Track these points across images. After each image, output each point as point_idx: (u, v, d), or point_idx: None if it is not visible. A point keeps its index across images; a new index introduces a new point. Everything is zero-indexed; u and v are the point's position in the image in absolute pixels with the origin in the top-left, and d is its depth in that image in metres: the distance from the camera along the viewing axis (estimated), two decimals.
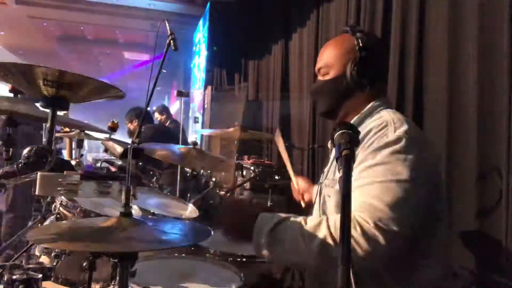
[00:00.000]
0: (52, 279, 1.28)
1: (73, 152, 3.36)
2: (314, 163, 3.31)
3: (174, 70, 11.35)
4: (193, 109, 7.18)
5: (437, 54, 1.89)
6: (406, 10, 2.12)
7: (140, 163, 3.40)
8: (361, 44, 1.22)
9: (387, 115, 1.26)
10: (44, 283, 1.12)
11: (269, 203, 2.68)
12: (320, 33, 3.35)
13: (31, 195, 3.56)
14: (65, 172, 0.95)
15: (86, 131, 2.65)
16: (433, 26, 1.94)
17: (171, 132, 4.37)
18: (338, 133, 0.85)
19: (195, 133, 5.93)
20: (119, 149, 2.35)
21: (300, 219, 1.11)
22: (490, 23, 1.60)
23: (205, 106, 5.62)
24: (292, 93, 4.01)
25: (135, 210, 1.63)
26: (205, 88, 5.84)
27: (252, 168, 2.83)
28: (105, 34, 10.84)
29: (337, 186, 1.19)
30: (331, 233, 1.02)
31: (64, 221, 1.50)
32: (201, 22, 6.85)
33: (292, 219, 1.10)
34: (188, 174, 2.31)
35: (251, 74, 5.26)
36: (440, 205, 1.17)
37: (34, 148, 0.95)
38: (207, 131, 4.51)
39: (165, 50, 1.71)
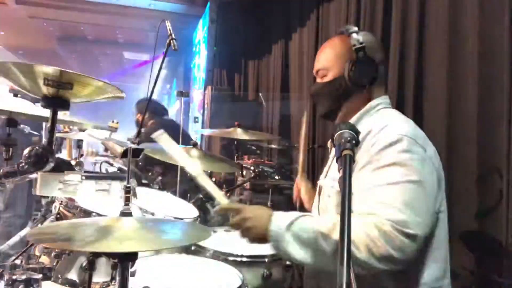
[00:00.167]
0: (52, 279, 1.28)
1: (73, 152, 3.36)
2: (314, 163, 3.30)
3: (174, 70, 11.34)
4: (193, 109, 7.18)
5: (437, 54, 1.89)
6: (406, 10, 2.12)
7: (140, 163, 3.40)
8: (357, 45, 1.22)
9: (387, 114, 1.26)
10: (44, 283, 1.12)
11: (269, 203, 2.68)
12: (320, 33, 3.35)
13: (31, 194, 3.57)
14: (65, 172, 0.95)
15: (85, 131, 2.65)
16: (433, 26, 1.94)
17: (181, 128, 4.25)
18: (338, 132, 0.85)
19: (195, 133, 5.92)
20: (119, 149, 2.35)
21: (314, 219, 1.10)
22: (490, 22, 1.60)
23: (205, 106, 5.61)
24: (292, 93, 4.01)
25: (135, 210, 1.63)
26: (205, 88, 5.84)
27: (252, 168, 2.83)
28: (105, 34, 10.83)
29: (337, 186, 1.19)
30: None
31: (64, 221, 1.50)
32: (201, 22, 6.84)
33: (306, 217, 1.10)
34: (188, 174, 2.30)
35: (251, 74, 5.25)
36: (440, 203, 1.17)
37: (34, 148, 0.95)
38: (207, 131, 4.50)
39: (165, 50, 1.71)
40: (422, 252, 1.11)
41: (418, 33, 2.01)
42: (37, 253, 1.57)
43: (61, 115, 1.17)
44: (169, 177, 3.39)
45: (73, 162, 2.39)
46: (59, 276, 1.38)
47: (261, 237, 1.10)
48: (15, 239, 1.79)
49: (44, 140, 1.00)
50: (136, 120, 4.01)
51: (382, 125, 1.16)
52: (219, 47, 5.70)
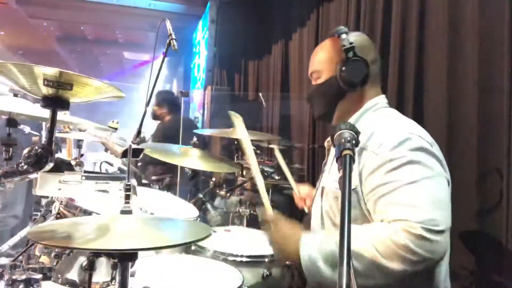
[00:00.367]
0: (52, 279, 1.28)
1: (73, 152, 3.36)
2: (314, 163, 3.30)
3: (174, 70, 11.34)
4: (193, 109, 7.18)
5: (437, 54, 1.89)
6: (406, 10, 2.12)
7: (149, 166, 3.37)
8: (346, 45, 1.22)
9: (386, 114, 1.26)
10: (44, 283, 1.12)
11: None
12: (320, 33, 3.35)
13: (30, 194, 3.56)
14: (65, 172, 0.95)
15: (85, 131, 2.65)
16: (433, 26, 1.94)
17: (195, 125, 4.16)
18: (338, 132, 0.85)
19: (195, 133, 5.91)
20: (119, 149, 2.35)
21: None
22: (490, 22, 1.60)
23: (205, 106, 5.61)
24: (292, 93, 4.01)
25: (135, 210, 1.63)
26: (205, 88, 5.84)
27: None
28: (105, 34, 10.84)
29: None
30: (378, 251, 1.00)
31: (63, 220, 1.50)
32: (201, 22, 6.84)
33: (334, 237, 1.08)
34: (188, 174, 2.30)
35: (251, 74, 5.25)
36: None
37: (34, 148, 0.95)
38: (207, 131, 4.50)
39: (165, 50, 1.71)
40: None
41: (418, 33, 2.01)
42: (37, 253, 1.57)
43: (61, 115, 1.17)
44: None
45: (73, 162, 2.39)
46: (59, 276, 1.38)
47: (291, 259, 1.12)
48: (15, 239, 1.79)
49: (44, 140, 1.00)
50: (152, 112, 3.90)
51: (386, 125, 1.16)
52: (219, 47, 5.69)
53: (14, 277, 1.02)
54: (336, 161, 0.81)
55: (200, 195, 2.19)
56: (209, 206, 2.24)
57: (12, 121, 1.25)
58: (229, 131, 2.45)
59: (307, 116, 3.46)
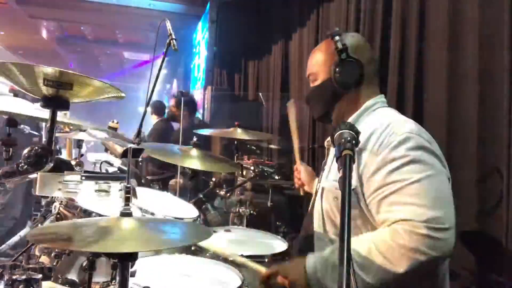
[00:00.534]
0: (52, 279, 1.28)
1: (73, 152, 3.36)
2: (314, 163, 3.30)
3: (174, 70, 11.35)
4: None
5: (437, 54, 1.89)
6: (406, 10, 2.12)
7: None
8: (339, 47, 1.23)
9: (385, 113, 1.26)
10: (44, 283, 1.12)
11: (269, 203, 2.68)
12: (320, 33, 3.35)
13: (29, 195, 3.56)
14: (65, 172, 0.95)
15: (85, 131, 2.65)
16: (433, 26, 1.94)
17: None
18: (338, 132, 0.85)
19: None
20: (119, 149, 2.35)
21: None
22: (491, 22, 1.60)
23: (205, 106, 5.61)
24: (292, 93, 4.01)
25: (135, 210, 1.63)
26: (205, 88, 5.84)
27: (252, 168, 2.82)
28: (105, 34, 10.85)
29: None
30: (385, 257, 1.01)
31: (64, 221, 1.50)
32: (201, 22, 6.84)
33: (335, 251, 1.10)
34: (188, 174, 2.30)
35: (251, 74, 5.25)
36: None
37: (34, 148, 0.95)
38: (207, 131, 4.49)
39: (165, 50, 1.71)
40: None
41: (418, 33, 2.01)
42: (37, 253, 1.57)
43: (61, 115, 1.17)
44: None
45: (73, 162, 2.39)
46: (59, 276, 1.38)
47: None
48: (15, 239, 1.79)
49: (44, 140, 1.00)
50: (170, 112, 3.81)
51: (385, 125, 1.17)
52: (219, 47, 5.70)
53: (14, 277, 1.02)
54: (336, 161, 0.81)
55: (200, 195, 2.19)
56: (209, 206, 2.24)
57: (12, 121, 1.25)
58: (229, 131, 2.46)
59: (307, 116, 3.46)
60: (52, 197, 1.76)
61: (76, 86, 0.95)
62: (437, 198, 1.03)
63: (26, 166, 0.94)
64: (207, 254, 1.56)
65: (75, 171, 1.00)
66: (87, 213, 1.54)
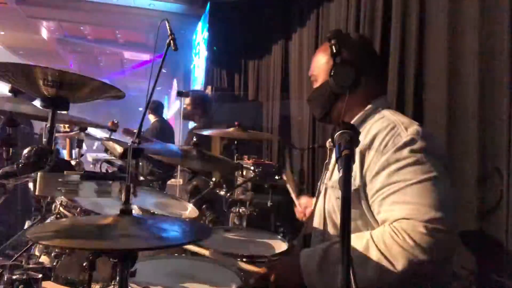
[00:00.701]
0: (52, 279, 1.28)
1: (73, 152, 3.36)
2: (314, 163, 3.31)
3: (174, 70, 11.34)
4: None
5: (437, 54, 1.89)
6: (406, 10, 2.12)
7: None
8: (334, 50, 1.24)
9: (389, 115, 1.26)
10: (44, 283, 1.12)
11: (269, 203, 2.67)
12: (320, 33, 3.35)
13: (28, 195, 3.56)
14: (65, 172, 0.95)
15: (86, 131, 2.65)
16: (433, 26, 1.94)
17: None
18: (338, 133, 0.85)
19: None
20: (119, 149, 2.35)
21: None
22: (491, 22, 1.60)
23: None
24: (292, 93, 4.01)
25: (135, 210, 1.63)
26: (205, 88, 5.84)
27: (252, 168, 2.82)
28: (105, 34, 10.84)
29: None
30: (382, 253, 1.02)
31: (63, 219, 1.50)
32: (201, 23, 6.84)
33: (334, 249, 1.11)
34: (188, 175, 2.30)
35: (251, 74, 5.25)
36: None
37: (34, 148, 0.95)
38: (207, 131, 4.49)
39: (165, 50, 1.71)
40: None
41: (418, 33, 2.01)
42: (37, 253, 1.57)
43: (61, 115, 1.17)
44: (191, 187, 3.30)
45: (73, 162, 2.39)
46: (59, 276, 1.38)
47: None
48: (14, 239, 1.79)
49: (44, 140, 1.00)
50: (185, 110, 3.73)
51: (391, 126, 1.17)
52: (219, 47, 5.69)
53: (14, 277, 1.02)
54: (336, 161, 0.81)
55: (200, 195, 2.19)
56: (209, 206, 2.24)
57: (12, 121, 1.25)
58: (229, 131, 2.46)
59: (307, 116, 3.46)
60: (52, 197, 1.76)
61: (76, 86, 0.95)
62: (439, 201, 1.03)
63: (26, 166, 0.93)
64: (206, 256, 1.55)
65: (75, 171, 1.00)
66: (87, 213, 1.54)
